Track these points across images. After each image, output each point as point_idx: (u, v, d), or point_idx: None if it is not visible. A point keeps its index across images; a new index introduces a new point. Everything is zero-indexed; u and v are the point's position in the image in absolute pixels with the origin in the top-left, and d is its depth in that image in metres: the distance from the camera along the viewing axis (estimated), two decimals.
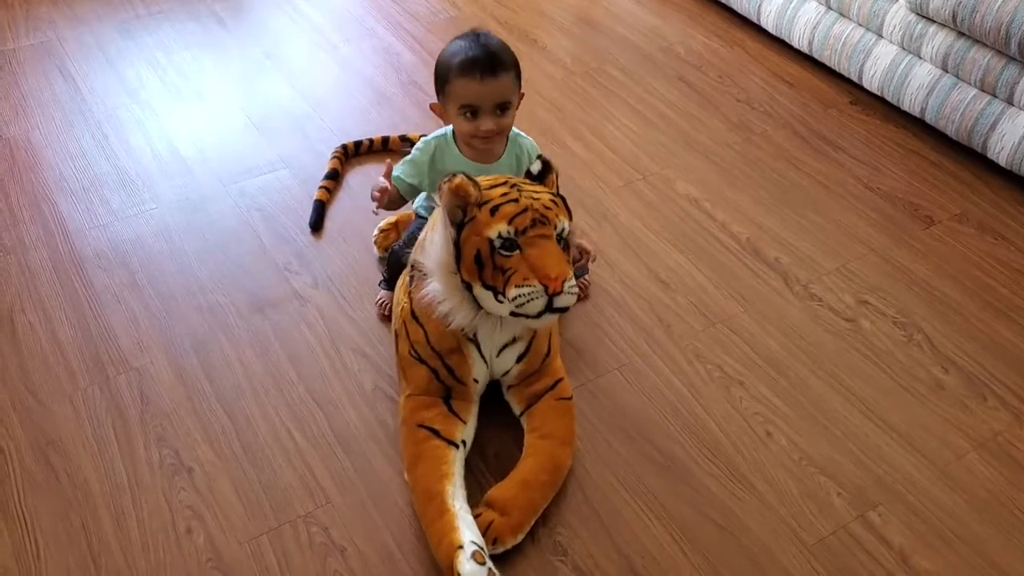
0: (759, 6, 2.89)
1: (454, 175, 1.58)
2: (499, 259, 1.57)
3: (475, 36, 1.79)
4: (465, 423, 1.72)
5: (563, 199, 1.69)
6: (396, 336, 1.79)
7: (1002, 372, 1.92)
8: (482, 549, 1.50)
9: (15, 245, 2.19)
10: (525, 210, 1.58)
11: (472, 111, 1.76)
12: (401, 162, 1.89)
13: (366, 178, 2.39)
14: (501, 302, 1.58)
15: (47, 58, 2.86)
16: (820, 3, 2.72)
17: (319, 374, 1.90)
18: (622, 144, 2.53)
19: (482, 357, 1.72)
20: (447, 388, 1.72)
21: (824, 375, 1.91)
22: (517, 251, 1.57)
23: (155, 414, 1.82)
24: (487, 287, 1.59)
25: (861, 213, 2.31)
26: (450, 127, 1.89)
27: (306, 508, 1.66)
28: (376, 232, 2.15)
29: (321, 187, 2.30)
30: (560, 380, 1.78)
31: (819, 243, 2.22)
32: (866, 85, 2.65)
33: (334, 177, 2.34)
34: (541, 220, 1.58)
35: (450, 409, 1.71)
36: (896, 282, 2.12)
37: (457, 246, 1.60)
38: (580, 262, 1.91)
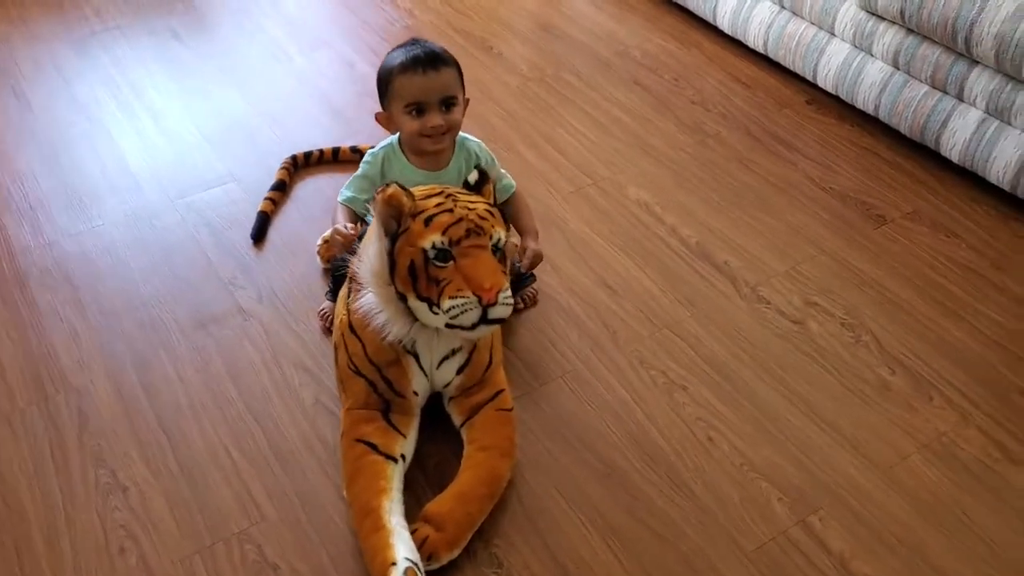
0: (715, 7, 2.88)
1: (388, 184, 1.57)
2: (433, 270, 1.56)
3: (413, 41, 1.81)
4: (405, 436, 1.70)
5: (500, 210, 1.68)
6: (335, 348, 1.77)
7: (949, 371, 1.90)
8: (416, 566, 1.48)
9: None
10: (460, 220, 1.57)
11: (418, 108, 1.77)
12: (349, 181, 1.88)
13: (315, 189, 2.37)
14: (436, 314, 1.57)
15: (5, 82, 2.85)
16: (774, 3, 2.71)
17: (259, 390, 1.88)
18: (575, 150, 2.52)
19: (421, 369, 1.70)
20: (386, 401, 1.71)
21: (769, 378, 1.90)
22: (451, 262, 1.56)
23: (92, 433, 1.80)
24: (422, 298, 1.58)
25: (813, 213, 2.30)
26: (396, 136, 1.88)
27: (240, 526, 1.65)
28: (319, 243, 2.13)
29: (266, 198, 2.29)
30: (501, 391, 1.76)
31: (769, 245, 2.21)
32: (821, 84, 2.64)
33: (281, 188, 2.33)
34: (476, 230, 1.57)
35: (389, 423, 1.70)
36: (846, 283, 2.11)
37: (391, 257, 1.58)
38: (524, 264, 1.90)
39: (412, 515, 1.59)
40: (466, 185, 1.67)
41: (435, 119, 1.76)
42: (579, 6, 3.19)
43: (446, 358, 1.71)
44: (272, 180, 2.36)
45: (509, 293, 1.58)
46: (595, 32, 3.04)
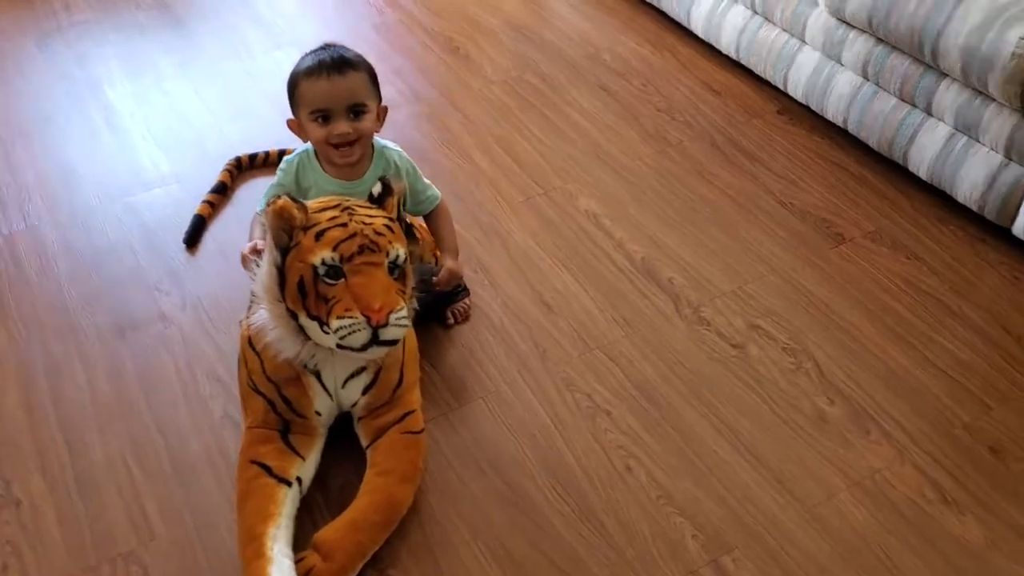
0: (689, 10, 2.78)
1: (278, 196, 1.51)
2: (323, 287, 1.49)
3: (324, 46, 1.73)
4: (304, 459, 1.63)
5: (404, 224, 1.61)
6: (238, 363, 1.71)
7: (891, 403, 1.80)
8: None
9: None
10: (353, 235, 1.50)
11: (324, 115, 1.68)
12: (266, 189, 1.82)
13: (258, 193, 2.28)
14: (327, 333, 1.50)
15: None
16: (747, 7, 2.61)
17: (169, 400, 1.83)
18: (529, 157, 2.44)
19: (325, 388, 1.64)
20: (286, 421, 1.64)
21: (699, 405, 1.81)
22: (342, 279, 1.49)
23: None
24: (312, 317, 1.51)
25: (768, 230, 2.20)
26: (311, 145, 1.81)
27: (129, 545, 1.59)
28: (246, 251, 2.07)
29: (204, 201, 2.23)
30: (411, 412, 1.69)
31: (718, 263, 2.11)
32: (791, 93, 2.53)
33: (221, 191, 2.27)
34: (370, 247, 1.50)
35: (287, 444, 1.63)
36: (793, 305, 2.01)
37: (281, 272, 1.52)
38: (439, 282, 1.82)
39: (308, 539, 1.53)
40: (370, 197, 1.60)
41: (341, 127, 1.68)
42: (556, 6, 3.10)
43: (352, 377, 1.64)
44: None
45: (404, 314, 1.51)
46: (567, 34, 2.95)
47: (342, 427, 1.71)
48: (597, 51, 2.86)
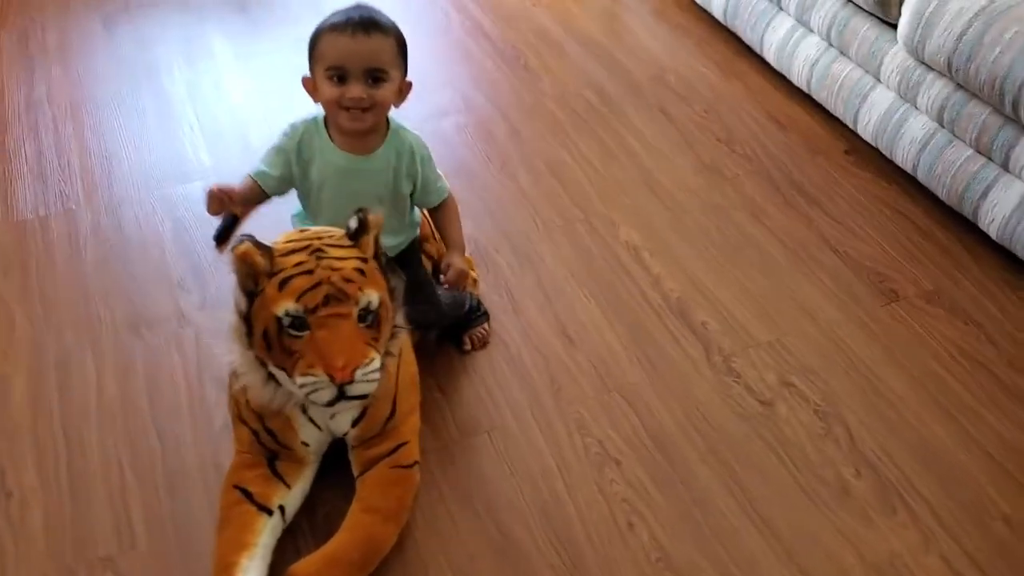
0: (763, 35, 2.65)
1: (242, 240, 1.41)
2: (287, 340, 1.41)
3: (356, 5, 1.60)
4: (289, 487, 1.58)
5: (384, 262, 1.51)
6: (228, 386, 1.65)
7: (924, 481, 1.66)
8: None
9: None
10: (318, 284, 1.40)
11: (339, 74, 1.55)
12: (265, 152, 1.67)
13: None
14: (296, 385, 1.43)
15: (24, 45, 2.86)
16: (822, 38, 2.46)
17: (173, 406, 1.80)
18: (574, 179, 2.35)
19: (311, 420, 1.57)
20: (272, 451, 1.59)
21: (715, 463, 1.70)
22: (307, 331, 1.40)
23: None
24: (279, 367, 1.44)
25: (817, 280, 2.07)
26: (322, 111, 1.66)
27: (108, 551, 1.56)
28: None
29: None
30: (403, 445, 1.62)
31: (758, 310, 1.99)
32: (860, 133, 2.39)
33: None
34: (337, 296, 1.40)
35: (273, 471, 1.57)
36: (832, 364, 1.88)
37: (248, 321, 1.45)
38: (447, 281, 1.70)
39: (289, 565, 1.47)
40: (347, 233, 1.48)
41: (355, 90, 1.55)
42: (632, 23, 2.99)
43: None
44: None
45: (374, 367, 1.41)
46: (636, 52, 2.84)
47: (338, 453, 1.65)
48: (663, 72, 2.74)
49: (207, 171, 2.36)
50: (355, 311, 1.41)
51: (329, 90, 1.57)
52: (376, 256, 1.50)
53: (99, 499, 1.64)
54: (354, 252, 1.46)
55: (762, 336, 1.94)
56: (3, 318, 1.97)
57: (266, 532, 1.51)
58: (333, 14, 1.59)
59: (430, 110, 2.57)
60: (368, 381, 1.40)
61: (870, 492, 1.65)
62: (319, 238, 1.47)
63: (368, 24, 1.55)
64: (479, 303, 1.94)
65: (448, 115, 2.55)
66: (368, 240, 1.47)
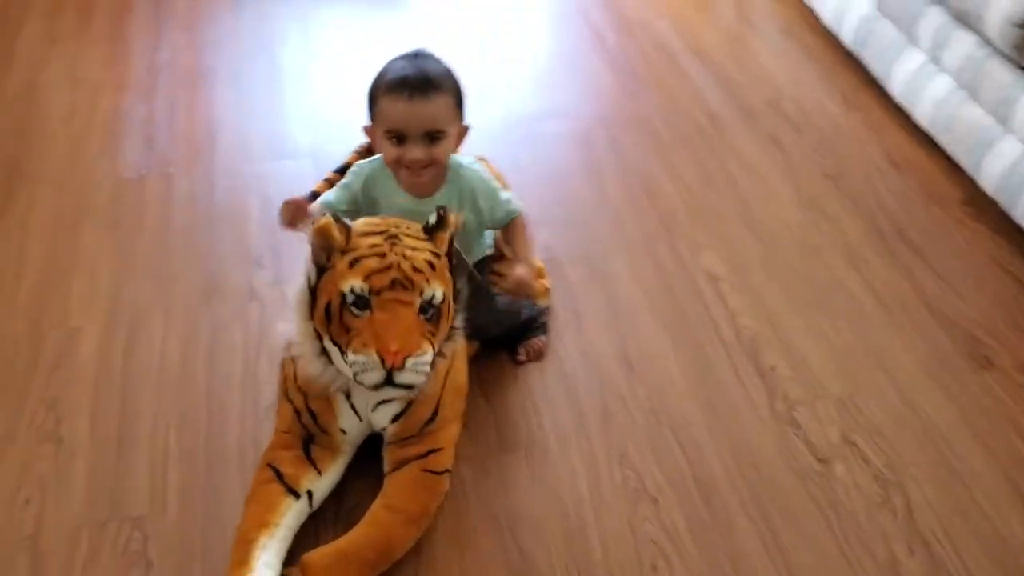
0: (890, 68, 2.50)
1: (325, 214, 1.45)
2: (347, 317, 1.43)
3: (413, 55, 1.63)
4: (320, 473, 1.58)
5: (455, 262, 1.51)
6: (281, 365, 1.68)
7: (986, 574, 1.53)
8: None
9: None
10: (388, 268, 1.42)
11: (398, 136, 1.59)
12: (334, 188, 1.76)
13: None
14: (345, 363, 1.44)
15: (155, 8, 2.98)
16: (952, 77, 2.30)
17: (226, 378, 1.83)
18: (666, 198, 2.27)
19: (353, 408, 1.58)
20: (310, 432, 1.60)
21: (758, 517, 1.61)
22: (368, 312, 1.42)
23: (60, 378, 1.83)
24: (334, 343, 1.46)
25: (906, 336, 1.93)
26: None
27: (140, 511, 1.60)
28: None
29: (325, 179, 2.20)
30: (437, 450, 1.60)
31: (834, 362, 1.88)
32: (982, 184, 2.22)
33: (344, 172, 2.25)
34: (403, 283, 1.42)
35: (307, 455, 1.59)
36: (904, 428, 1.75)
37: (313, 292, 1.47)
38: (505, 288, 1.69)
39: (306, 550, 1.48)
40: (425, 226, 1.51)
41: (415, 152, 1.58)
42: (757, 43, 2.87)
43: (383, 402, 1.57)
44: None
45: (426, 359, 1.42)
46: (756, 73, 2.73)
47: (373, 448, 1.65)
48: (780, 97, 2.63)
49: (302, 150, 2.40)
50: (418, 301, 1.43)
51: (389, 150, 1.61)
52: (448, 254, 1.52)
53: (142, 461, 1.69)
54: (428, 246, 1.48)
55: (833, 389, 1.83)
56: (88, 270, 2.05)
57: (290, 514, 1.52)
58: (391, 64, 1.63)
59: (532, 112, 2.55)
60: (417, 372, 1.41)
61: (921, 575, 1.53)
62: (397, 227, 1.51)
63: (426, 85, 1.57)
64: (540, 314, 1.90)
65: (550, 118, 2.52)
66: (443, 237, 1.49)
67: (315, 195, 2.17)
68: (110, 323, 1.94)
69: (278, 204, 2.19)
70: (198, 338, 1.91)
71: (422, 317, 1.44)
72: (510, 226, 1.75)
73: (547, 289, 1.98)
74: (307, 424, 1.59)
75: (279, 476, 1.55)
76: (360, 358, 1.40)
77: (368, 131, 1.68)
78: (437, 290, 1.45)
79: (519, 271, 1.69)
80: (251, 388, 1.81)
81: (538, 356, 1.88)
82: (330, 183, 2.23)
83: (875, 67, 2.58)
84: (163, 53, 2.78)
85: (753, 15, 3.01)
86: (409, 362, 1.39)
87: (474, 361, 1.80)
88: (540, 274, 1.99)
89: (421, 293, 1.43)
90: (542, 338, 1.89)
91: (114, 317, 1.95)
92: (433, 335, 1.45)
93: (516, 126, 2.50)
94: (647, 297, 2.02)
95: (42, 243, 2.12)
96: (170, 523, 1.59)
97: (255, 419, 1.75)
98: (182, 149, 2.41)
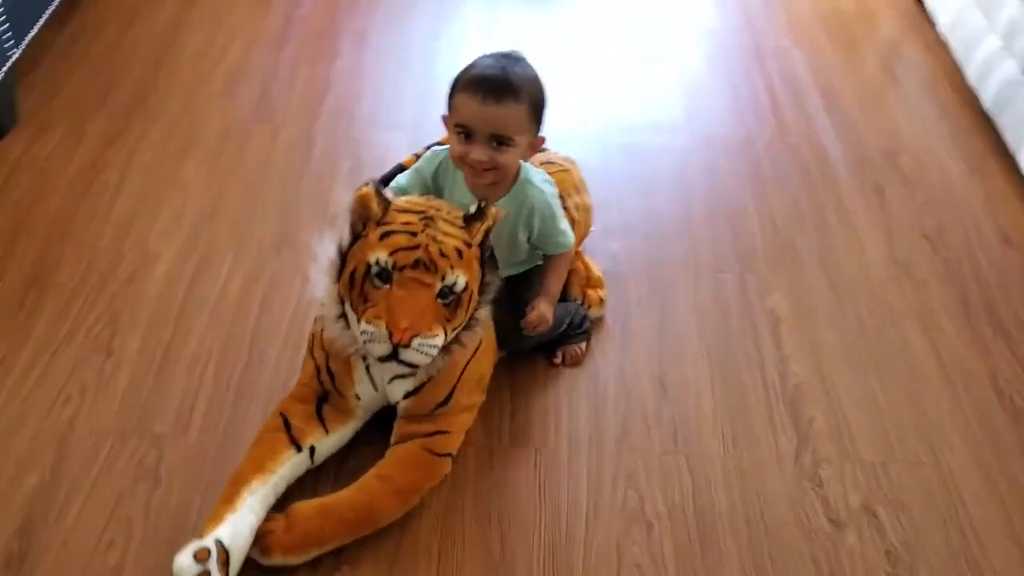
0: (1022, 136, 2.35)
1: (368, 183, 1.50)
2: (368, 287, 1.47)
3: (504, 55, 1.63)
4: (328, 432, 1.63)
5: (487, 255, 1.53)
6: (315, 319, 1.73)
7: None
8: (219, 550, 1.41)
9: None
10: (415, 247, 1.45)
11: (466, 133, 1.59)
12: (407, 171, 1.79)
13: None
14: (359, 331, 1.48)
15: None
16: None
17: (274, 324, 1.91)
18: (749, 231, 2.21)
19: (370, 376, 1.62)
20: (326, 391, 1.65)
21: (750, 566, 1.56)
22: (389, 285, 1.45)
23: (125, 296, 1.95)
24: (353, 309, 1.50)
25: (961, 416, 1.82)
26: None
27: (163, 430, 1.70)
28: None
29: (414, 154, 2.27)
30: (444, 432, 1.63)
31: (877, 427, 1.79)
32: None
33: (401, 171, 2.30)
34: (427, 264, 1.45)
35: (318, 412, 1.64)
36: (932, 509, 1.66)
37: (343, 257, 1.51)
38: (527, 323, 1.71)
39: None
40: (465, 215, 1.52)
41: (478, 152, 1.58)
42: (894, 90, 2.75)
43: (397, 377, 1.61)
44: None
45: (435, 342, 1.44)
46: (880, 121, 2.61)
47: (389, 417, 1.68)
48: (898, 150, 2.51)
49: (403, 125, 2.46)
50: (438, 285, 1.45)
51: (456, 145, 1.61)
52: (481, 245, 1.53)
53: (177, 384, 1.78)
54: (462, 234, 1.50)
55: (867, 454, 1.74)
56: (178, 201, 2.18)
57: (288, 465, 1.57)
58: (481, 58, 1.62)
59: (633, 123, 2.54)
60: (422, 353, 1.44)
61: None
62: (438, 209, 1.53)
63: (502, 89, 1.55)
64: (583, 321, 1.89)
65: (650, 131, 2.50)
66: (479, 228, 1.51)
67: (400, 168, 2.23)
68: (184, 254, 2.05)
69: (365, 171, 2.30)
70: (258, 283, 1.99)
71: (440, 301, 1.46)
72: (553, 259, 1.77)
73: (601, 300, 1.97)
74: (324, 382, 1.64)
75: (287, 426, 1.61)
76: (370, 328, 1.43)
77: (445, 120, 1.69)
78: (460, 278, 1.47)
79: (543, 307, 1.72)
80: (293, 339, 1.88)
81: (575, 362, 1.87)
82: (417, 157, 2.28)
83: (1009, 134, 2.43)
84: (302, 10, 2.90)
85: (898, 65, 2.87)
86: (416, 341, 1.42)
87: (508, 356, 1.81)
88: (598, 283, 1.98)
89: (443, 278, 1.45)
90: (582, 345, 1.88)
91: (189, 249, 2.06)
92: (449, 320, 1.48)
93: (615, 136, 2.48)
94: (700, 324, 1.98)
95: (142, 172, 2.27)
96: (186, 447, 1.67)
97: (289, 370, 1.82)
98: (293, 103, 2.51)
